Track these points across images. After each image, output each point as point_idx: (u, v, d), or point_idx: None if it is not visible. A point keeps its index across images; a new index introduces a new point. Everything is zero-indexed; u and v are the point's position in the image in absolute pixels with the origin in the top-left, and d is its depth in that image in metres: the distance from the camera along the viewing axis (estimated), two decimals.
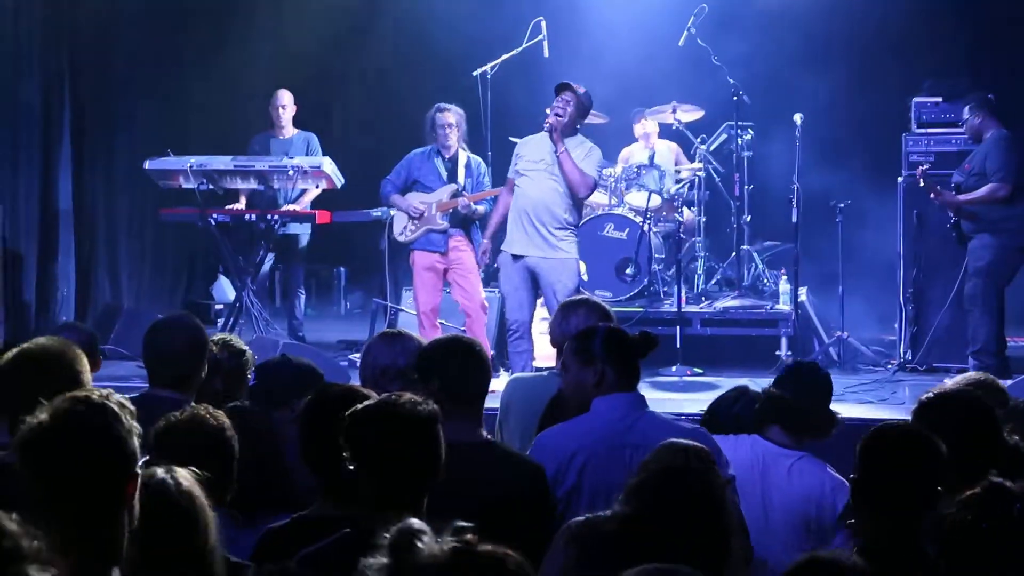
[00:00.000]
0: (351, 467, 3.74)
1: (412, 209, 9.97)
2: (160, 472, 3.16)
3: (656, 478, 3.75)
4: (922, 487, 3.84)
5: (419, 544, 2.62)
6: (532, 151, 9.23)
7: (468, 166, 10.08)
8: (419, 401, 3.79)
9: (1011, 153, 9.58)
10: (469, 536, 2.60)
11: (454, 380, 4.67)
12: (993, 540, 3.33)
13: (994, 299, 9.63)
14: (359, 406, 3.85)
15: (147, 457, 3.07)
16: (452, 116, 9.95)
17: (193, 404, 4.23)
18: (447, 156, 10.06)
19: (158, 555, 3.05)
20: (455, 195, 9.92)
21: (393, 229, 10.22)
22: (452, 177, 10.04)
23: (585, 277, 9.90)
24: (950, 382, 5.07)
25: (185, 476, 3.19)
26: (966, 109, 9.85)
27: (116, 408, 2.91)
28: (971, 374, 5.31)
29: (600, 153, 9.32)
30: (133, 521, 2.92)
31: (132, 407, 2.95)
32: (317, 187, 10.77)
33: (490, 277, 10.56)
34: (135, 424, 2.92)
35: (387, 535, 2.66)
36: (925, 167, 9.79)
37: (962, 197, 9.56)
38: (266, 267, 11.18)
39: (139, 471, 2.94)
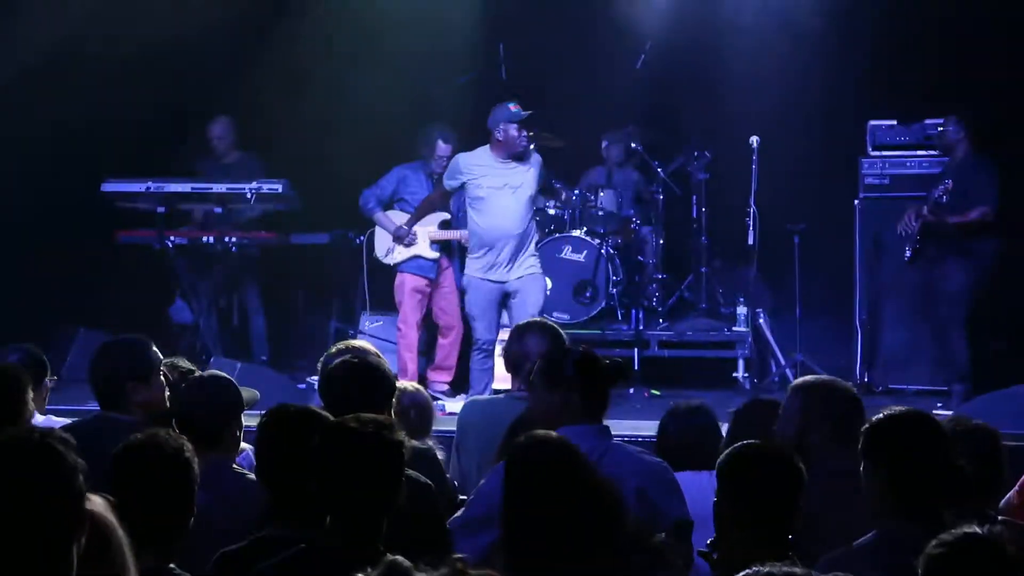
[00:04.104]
0: (314, 487, 3.74)
1: (404, 237, 10.03)
2: None
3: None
4: (782, 505, 3.87)
5: None
6: (490, 176, 9.26)
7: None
8: (385, 424, 3.78)
9: (996, 178, 9.60)
10: (459, 564, 2.62)
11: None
12: None
13: (971, 324, 9.62)
14: (325, 426, 3.85)
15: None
16: (454, 147, 9.96)
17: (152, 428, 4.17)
18: (435, 177, 10.12)
19: None
20: (444, 224, 9.95)
21: (375, 249, 10.27)
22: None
23: (548, 294, 9.97)
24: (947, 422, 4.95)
25: (93, 500, 3.13)
26: (952, 119, 9.76)
27: (60, 446, 2.81)
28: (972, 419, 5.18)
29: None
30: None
31: (73, 441, 2.88)
32: (275, 209, 10.77)
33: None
34: (79, 460, 2.85)
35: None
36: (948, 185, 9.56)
37: (952, 219, 9.52)
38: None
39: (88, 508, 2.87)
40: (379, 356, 5.56)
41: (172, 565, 3.48)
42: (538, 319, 6.66)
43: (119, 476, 3.62)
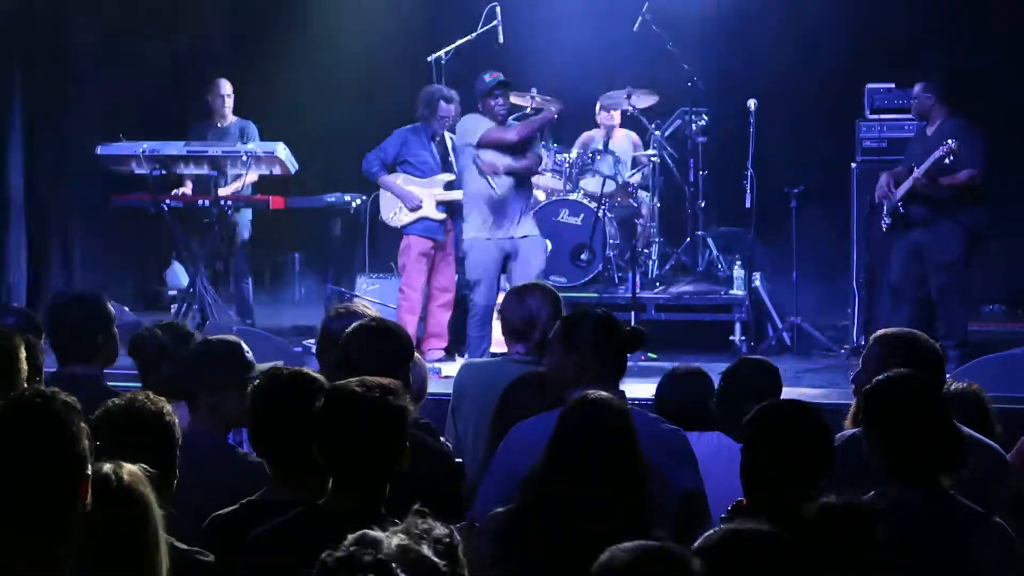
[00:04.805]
0: (317, 451, 3.72)
1: (410, 202, 10.00)
2: (105, 467, 3.09)
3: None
4: (806, 461, 3.89)
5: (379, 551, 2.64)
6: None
7: (455, 149, 10.16)
8: (390, 389, 3.76)
9: (983, 140, 9.55)
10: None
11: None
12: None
13: (968, 291, 9.62)
14: (329, 389, 3.84)
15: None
16: (456, 108, 9.98)
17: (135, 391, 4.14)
18: (437, 139, 10.11)
19: (99, 550, 2.97)
20: (449, 185, 9.96)
21: (381, 212, 10.25)
22: (444, 162, 10.10)
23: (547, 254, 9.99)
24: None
25: (131, 471, 3.13)
26: (919, 85, 9.71)
27: (63, 408, 2.84)
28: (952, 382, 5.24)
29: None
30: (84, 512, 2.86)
31: (79, 406, 2.89)
32: (271, 172, 10.71)
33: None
34: (84, 425, 2.86)
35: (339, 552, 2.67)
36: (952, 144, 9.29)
37: (943, 180, 9.43)
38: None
39: (90, 471, 2.87)
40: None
41: None
42: (536, 281, 6.63)
43: (99, 442, 3.61)
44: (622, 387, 4.84)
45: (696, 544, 3.07)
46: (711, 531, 3.09)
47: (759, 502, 3.89)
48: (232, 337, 5.33)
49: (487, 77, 9.50)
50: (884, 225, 9.74)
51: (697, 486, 4.55)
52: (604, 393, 4.11)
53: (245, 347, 4.97)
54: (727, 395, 5.30)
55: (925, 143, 9.53)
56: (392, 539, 2.73)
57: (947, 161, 9.23)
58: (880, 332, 5.28)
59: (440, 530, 2.84)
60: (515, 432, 4.74)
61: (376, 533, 2.74)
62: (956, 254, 9.45)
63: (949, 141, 9.17)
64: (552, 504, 3.82)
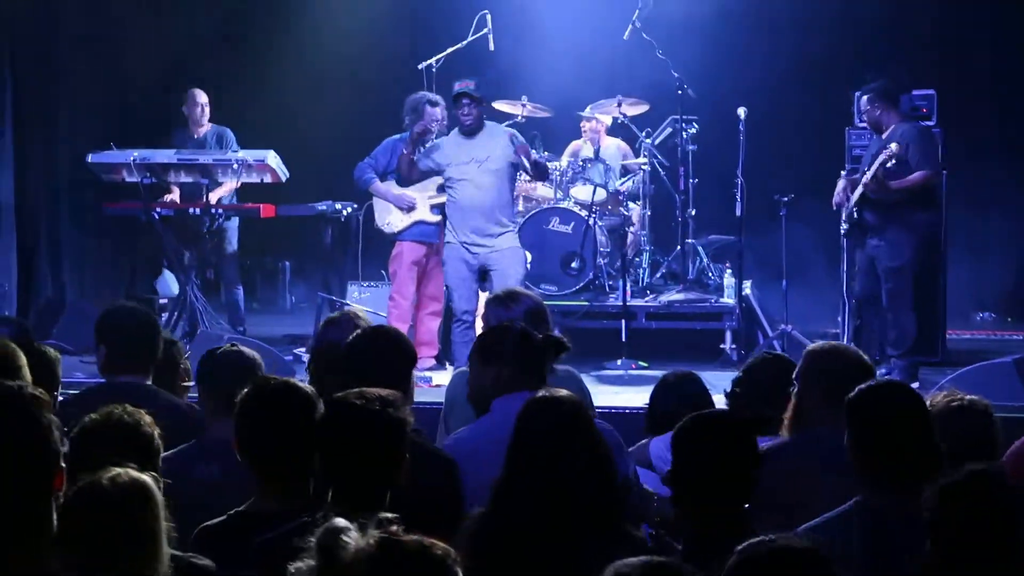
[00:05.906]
0: (317, 462, 3.79)
1: (404, 203, 9.97)
2: (105, 475, 3.09)
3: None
4: (733, 474, 3.94)
5: (345, 541, 2.64)
6: (455, 154, 9.37)
7: None
8: (390, 401, 3.80)
9: (935, 143, 9.58)
10: (394, 527, 2.64)
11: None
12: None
13: (913, 296, 9.60)
14: (330, 402, 3.87)
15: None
16: (442, 112, 9.95)
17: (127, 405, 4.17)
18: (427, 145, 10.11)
19: (97, 557, 2.96)
20: (442, 188, 9.96)
21: (376, 219, 10.22)
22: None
23: (528, 267, 9.90)
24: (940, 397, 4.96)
25: (126, 480, 3.11)
26: (864, 99, 9.72)
27: (32, 401, 2.84)
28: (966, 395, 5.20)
29: (515, 130, 9.72)
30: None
31: (48, 399, 2.89)
32: (262, 180, 10.71)
33: None
34: (54, 417, 2.86)
35: (312, 537, 2.68)
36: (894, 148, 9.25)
37: (893, 184, 9.41)
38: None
39: (64, 464, 2.87)
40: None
41: None
42: (520, 288, 6.66)
43: (79, 457, 3.61)
44: (595, 393, 4.98)
45: (738, 553, 3.05)
46: (754, 541, 3.07)
47: (682, 511, 4.01)
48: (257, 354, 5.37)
49: (456, 85, 9.38)
50: (842, 230, 9.77)
51: (629, 473, 4.77)
52: (559, 391, 4.20)
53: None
54: (743, 394, 5.34)
55: (879, 149, 9.52)
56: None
57: (889, 165, 9.18)
58: (809, 346, 5.30)
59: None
60: (450, 440, 4.98)
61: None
62: (905, 259, 9.40)
63: (891, 146, 9.14)
64: (521, 505, 3.86)
